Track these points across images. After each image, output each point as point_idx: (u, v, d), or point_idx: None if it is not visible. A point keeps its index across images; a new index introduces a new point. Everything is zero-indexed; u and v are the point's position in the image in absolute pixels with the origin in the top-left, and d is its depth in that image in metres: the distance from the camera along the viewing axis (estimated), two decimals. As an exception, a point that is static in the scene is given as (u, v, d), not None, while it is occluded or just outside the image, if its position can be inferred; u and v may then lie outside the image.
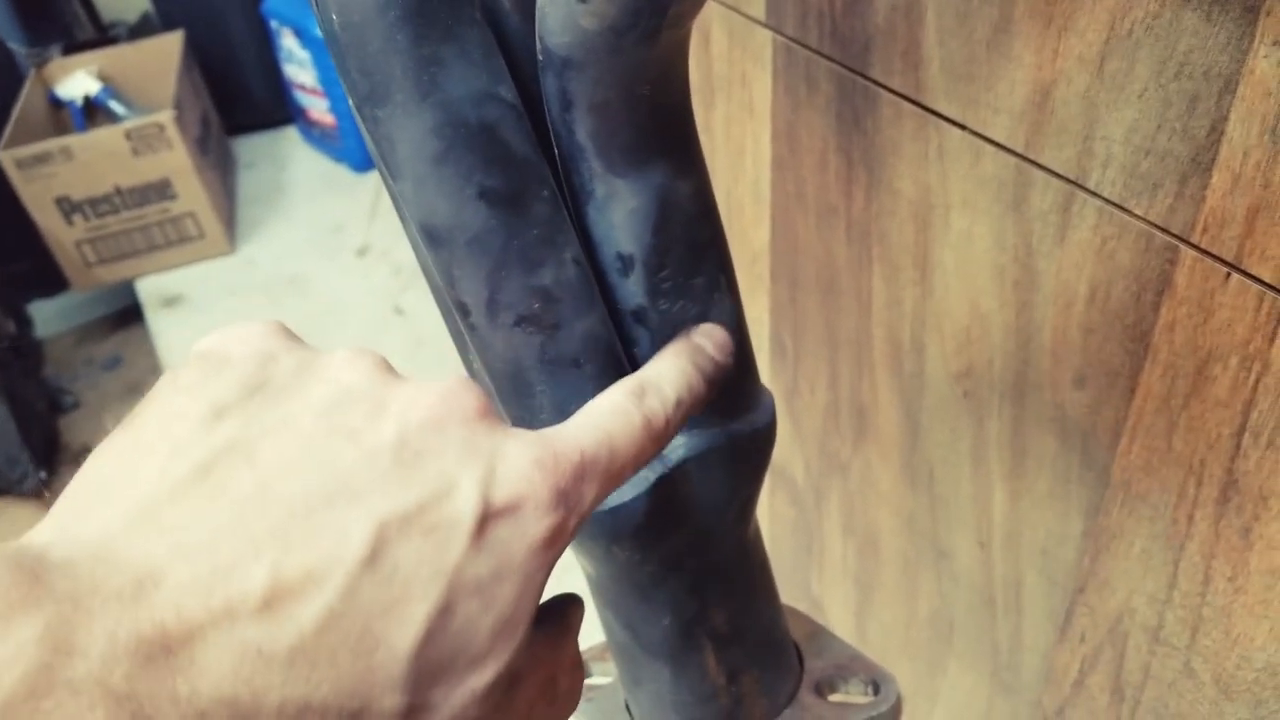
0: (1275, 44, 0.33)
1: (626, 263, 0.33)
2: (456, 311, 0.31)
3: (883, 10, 0.47)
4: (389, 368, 0.24)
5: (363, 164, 2.17)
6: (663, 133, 0.32)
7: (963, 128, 0.46)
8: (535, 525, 0.22)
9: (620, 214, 0.32)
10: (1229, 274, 0.38)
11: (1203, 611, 0.45)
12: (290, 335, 0.25)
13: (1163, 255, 0.40)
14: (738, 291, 0.35)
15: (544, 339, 0.31)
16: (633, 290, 0.33)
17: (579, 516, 0.24)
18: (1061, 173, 0.42)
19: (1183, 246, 0.39)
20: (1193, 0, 0.35)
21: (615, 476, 0.25)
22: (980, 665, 0.62)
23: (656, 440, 0.27)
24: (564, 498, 0.23)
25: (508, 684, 0.22)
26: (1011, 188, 0.45)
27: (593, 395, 0.29)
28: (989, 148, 0.45)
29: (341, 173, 2.22)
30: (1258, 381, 0.38)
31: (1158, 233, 0.39)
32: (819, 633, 0.45)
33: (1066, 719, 0.56)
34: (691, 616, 0.37)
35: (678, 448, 0.35)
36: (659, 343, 0.33)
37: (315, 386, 0.23)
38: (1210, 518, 0.43)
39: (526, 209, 0.30)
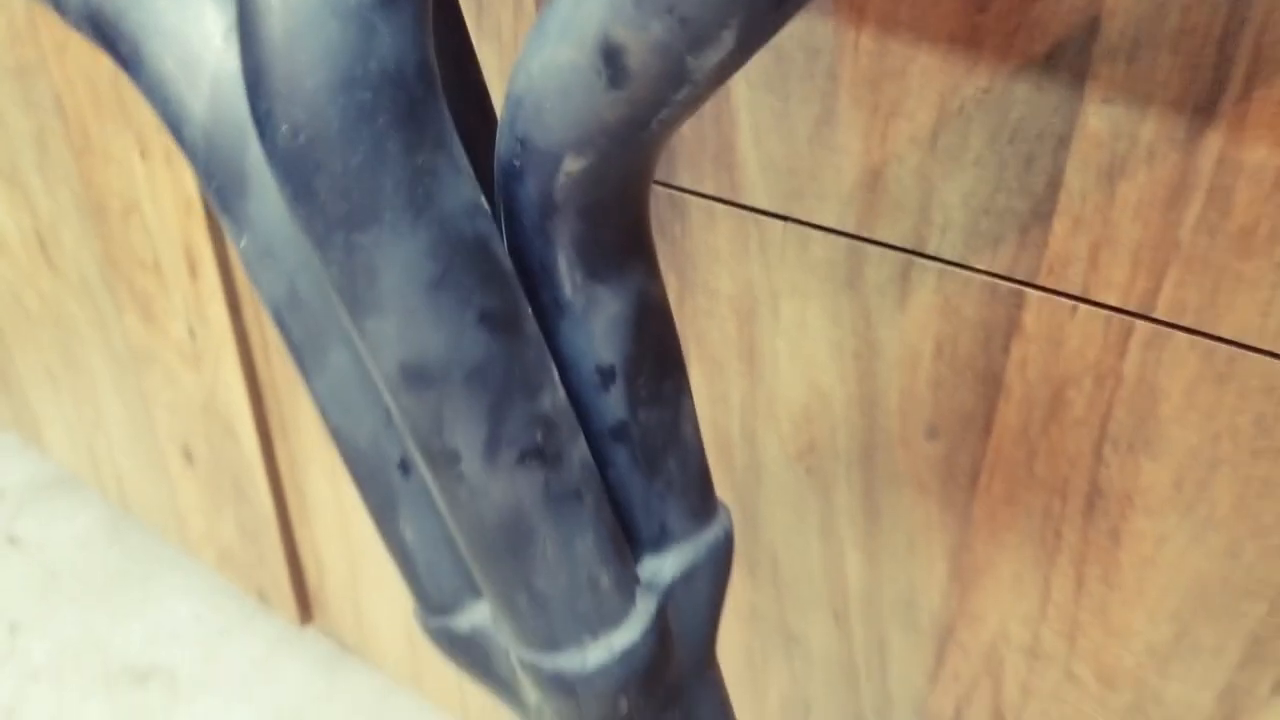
0: (1104, 102, 0.39)
1: (606, 376, 0.31)
2: (438, 464, 0.27)
3: (689, 121, 0.49)
4: None
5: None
6: (643, 228, 0.30)
7: (785, 219, 0.49)
8: None
9: (601, 324, 0.30)
10: (1075, 306, 0.43)
11: (1078, 617, 0.49)
12: None
13: (1009, 301, 0.44)
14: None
15: (547, 473, 0.28)
16: (612, 405, 0.31)
17: None
18: (897, 244, 0.46)
19: (1028, 290, 0.44)
20: (1022, 73, 0.40)
21: None
22: (847, 738, 0.63)
23: None
24: None
25: None
26: (844, 267, 0.48)
27: (593, 530, 0.27)
28: (816, 234, 0.48)
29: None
30: (1113, 395, 0.44)
31: (1002, 282, 0.44)
32: None
33: (955, 761, 0.58)
34: None
35: (663, 570, 0.33)
36: (638, 459, 0.32)
37: None
38: (1078, 528, 0.47)
39: (521, 329, 0.27)
